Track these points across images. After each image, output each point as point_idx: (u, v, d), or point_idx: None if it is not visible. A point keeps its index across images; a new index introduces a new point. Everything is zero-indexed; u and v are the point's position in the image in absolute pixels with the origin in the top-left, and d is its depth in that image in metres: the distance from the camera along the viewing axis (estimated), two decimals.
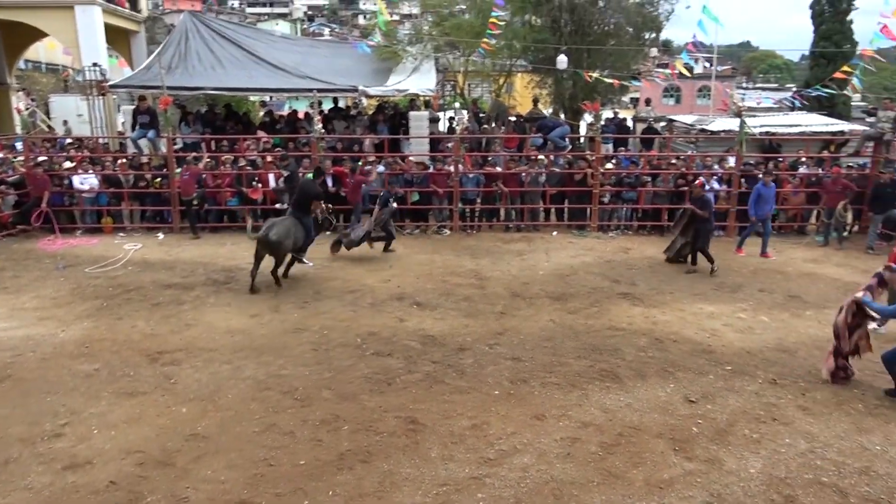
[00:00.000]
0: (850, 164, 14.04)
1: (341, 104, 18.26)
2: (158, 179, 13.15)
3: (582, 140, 17.06)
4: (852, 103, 31.60)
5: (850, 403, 6.29)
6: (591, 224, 13.29)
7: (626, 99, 27.62)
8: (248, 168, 13.34)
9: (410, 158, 13.85)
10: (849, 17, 31.99)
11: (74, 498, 4.84)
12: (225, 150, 13.91)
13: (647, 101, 20.07)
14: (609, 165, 13.77)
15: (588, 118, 14.66)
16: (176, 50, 15.58)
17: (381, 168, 13.28)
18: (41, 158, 13.25)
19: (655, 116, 19.23)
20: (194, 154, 13.43)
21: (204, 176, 13.01)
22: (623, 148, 16.19)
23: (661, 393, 6.47)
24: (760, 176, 11.86)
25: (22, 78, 24.47)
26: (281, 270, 9.69)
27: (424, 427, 5.79)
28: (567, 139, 14.79)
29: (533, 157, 13.76)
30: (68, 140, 16.67)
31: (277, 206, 13.14)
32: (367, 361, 7.14)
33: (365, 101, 18.87)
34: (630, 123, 18.25)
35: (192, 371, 6.89)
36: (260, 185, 13.20)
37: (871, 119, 15.39)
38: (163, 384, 6.60)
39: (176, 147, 14.18)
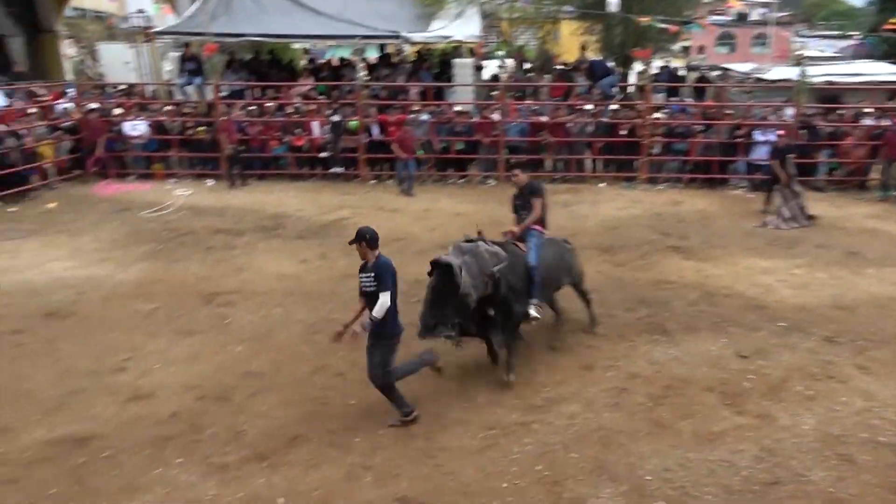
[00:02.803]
0: None
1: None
2: (202, 128, 13.25)
3: (632, 89, 16.55)
4: None
5: None
6: (640, 176, 12.98)
7: (677, 47, 26.65)
8: (296, 115, 13.33)
9: (455, 107, 13.64)
10: None
11: (139, 426, 5.07)
12: (270, 98, 13.92)
13: (700, 49, 19.27)
14: (659, 115, 13.33)
15: (639, 66, 14.13)
16: None
17: (425, 117, 13.14)
18: (93, 105, 13.47)
19: (709, 65, 18.53)
20: (238, 102, 13.48)
21: (245, 125, 13.06)
22: (675, 98, 15.65)
23: (711, 347, 6.38)
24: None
25: (69, 25, 24.59)
26: None
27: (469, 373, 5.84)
28: (617, 88, 14.35)
29: (579, 107, 13.41)
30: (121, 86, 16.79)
31: (322, 154, 13.15)
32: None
33: (407, 49, 18.53)
34: (683, 72, 17.60)
35: (245, 313, 7.07)
36: (304, 132, 13.22)
37: None
38: (218, 324, 6.80)
39: (222, 94, 14.25)
